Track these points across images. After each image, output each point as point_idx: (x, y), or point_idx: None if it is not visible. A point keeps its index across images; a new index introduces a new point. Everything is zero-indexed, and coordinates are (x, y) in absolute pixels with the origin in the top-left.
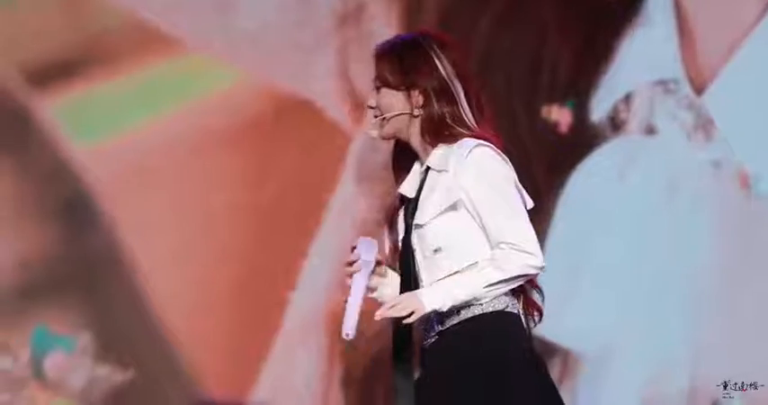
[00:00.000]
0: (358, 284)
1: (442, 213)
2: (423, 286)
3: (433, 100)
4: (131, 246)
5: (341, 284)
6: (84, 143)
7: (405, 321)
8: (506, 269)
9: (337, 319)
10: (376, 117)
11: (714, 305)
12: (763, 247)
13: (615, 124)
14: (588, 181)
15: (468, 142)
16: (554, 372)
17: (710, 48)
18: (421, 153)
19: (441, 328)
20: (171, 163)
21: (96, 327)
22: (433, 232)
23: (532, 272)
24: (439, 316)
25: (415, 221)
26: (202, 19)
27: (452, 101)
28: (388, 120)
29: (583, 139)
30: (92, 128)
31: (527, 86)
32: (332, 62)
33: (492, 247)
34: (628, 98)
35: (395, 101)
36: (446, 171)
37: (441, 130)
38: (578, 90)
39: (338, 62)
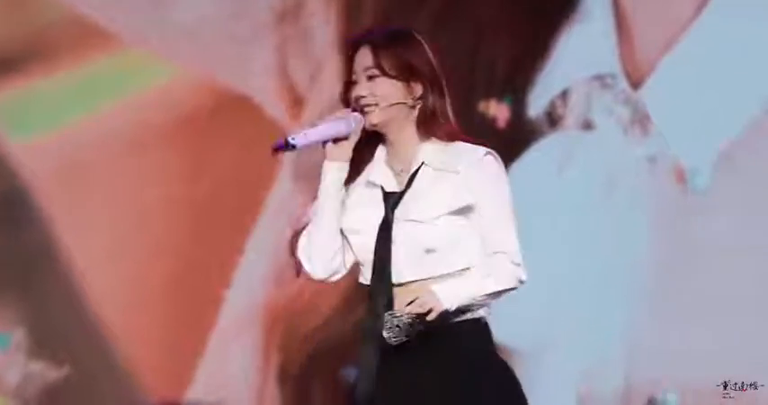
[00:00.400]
0: (334, 124)
1: (446, 214)
2: (397, 282)
3: (429, 92)
4: (67, 242)
5: (276, 281)
6: (21, 139)
7: (427, 318)
8: (503, 281)
9: (273, 314)
10: (367, 105)
11: (651, 301)
12: (699, 241)
13: (552, 120)
14: (526, 176)
15: (478, 148)
16: None
17: (648, 43)
18: (404, 145)
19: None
20: (107, 159)
21: (31, 323)
22: (432, 231)
23: (519, 285)
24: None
25: (412, 217)
26: (139, 13)
27: (443, 95)
28: (385, 108)
29: (520, 135)
30: (29, 124)
31: (465, 83)
32: (270, 58)
33: (486, 255)
34: (565, 94)
35: (394, 90)
36: (455, 172)
37: (435, 124)
38: (516, 86)
39: (276, 58)
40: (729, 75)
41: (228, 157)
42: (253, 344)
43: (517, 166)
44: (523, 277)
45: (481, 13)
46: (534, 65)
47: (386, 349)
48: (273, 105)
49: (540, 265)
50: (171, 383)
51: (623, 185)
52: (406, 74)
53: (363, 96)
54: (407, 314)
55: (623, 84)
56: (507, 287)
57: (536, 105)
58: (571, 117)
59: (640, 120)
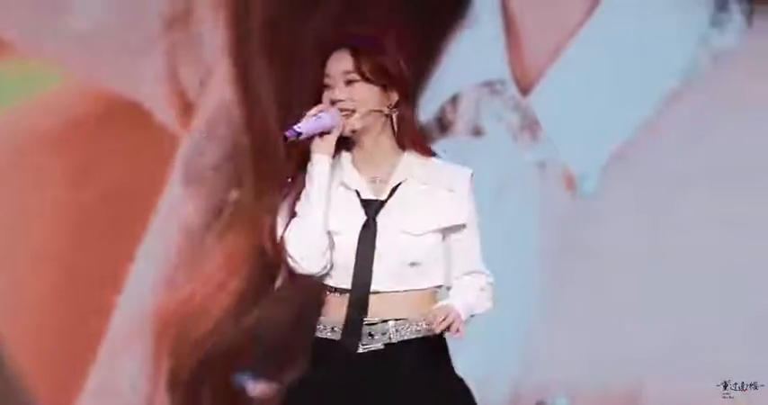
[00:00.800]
0: (322, 118)
1: (434, 231)
2: (374, 290)
3: (403, 101)
4: None
5: (167, 285)
6: None
7: (459, 335)
8: (492, 300)
9: (164, 320)
10: (344, 110)
11: (540, 306)
12: (589, 246)
13: (442, 125)
14: None
15: (465, 169)
16: None
17: (536, 49)
18: (381, 153)
19: (389, 340)
20: None
21: None
22: (419, 245)
23: None
24: (383, 327)
25: (399, 228)
26: (33, 21)
27: (414, 105)
28: (364, 114)
29: None
30: None
31: None
32: (160, 65)
33: (462, 273)
34: (455, 100)
35: (372, 96)
36: (448, 190)
37: (414, 135)
38: None
39: (166, 65)
40: (618, 79)
41: (118, 164)
42: (143, 350)
43: None
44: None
45: (373, 17)
46: (424, 70)
47: (348, 357)
48: (163, 112)
49: None
50: (60, 392)
51: (513, 191)
52: (384, 80)
53: (341, 100)
54: (426, 325)
55: (512, 90)
56: (489, 306)
57: (426, 111)
58: (461, 123)
59: (530, 126)
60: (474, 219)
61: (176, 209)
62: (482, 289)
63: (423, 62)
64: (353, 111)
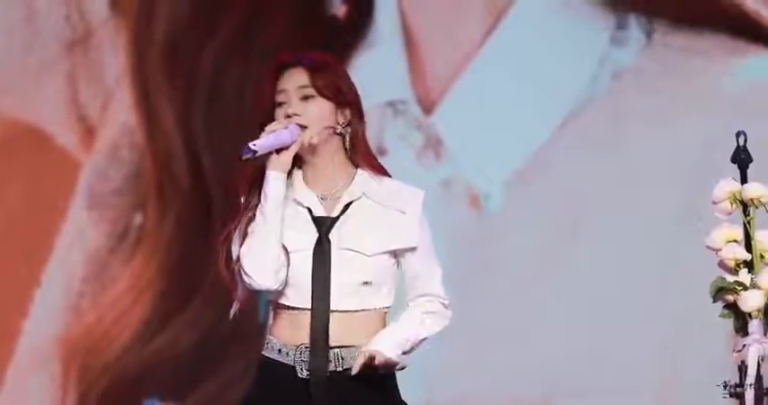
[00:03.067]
0: (280, 134)
1: (386, 251)
2: (334, 309)
3: (356, 120)
4: None
5: (74, 311)
6: None
7: (375, 365)
8: (438, 323)
9: (71, 345)
10: (299, 125)
11: (450, 324)
12: (494, 263)
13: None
14: None
15: (418, 191)
16: None
17: (438, 68)
18: (332, 171)
19: (334, 368)
20: None
21: None
22: (371, 265)
23: (447, 323)
24: (339, 352)
25: (351, 247)
26: None
27: (365, 125)
28: (320, 131)
29: None
30: None
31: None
32: (60, 88)
33: (415, 296)
34: None
35: (327, 113)
36: (400, 212)
37: (367, 153)
38: None
39: (67, 88)
40: (520, 96)
41: (20, 189)
42: (51, 376)
43: None
44: (450, 316)
45: (272, 39)
46: None
47: (295, 381)
48: (65, 136)
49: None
50: None
51: None
52: (338, 98)
53: (297, 115)
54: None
55: (415, 109)
56: (440, 329)
57: None
58: None
59: (433, 145)
60: (427, 241)
61: (80, 233)
62: (433, 312)
63: None
64: (307, 127)
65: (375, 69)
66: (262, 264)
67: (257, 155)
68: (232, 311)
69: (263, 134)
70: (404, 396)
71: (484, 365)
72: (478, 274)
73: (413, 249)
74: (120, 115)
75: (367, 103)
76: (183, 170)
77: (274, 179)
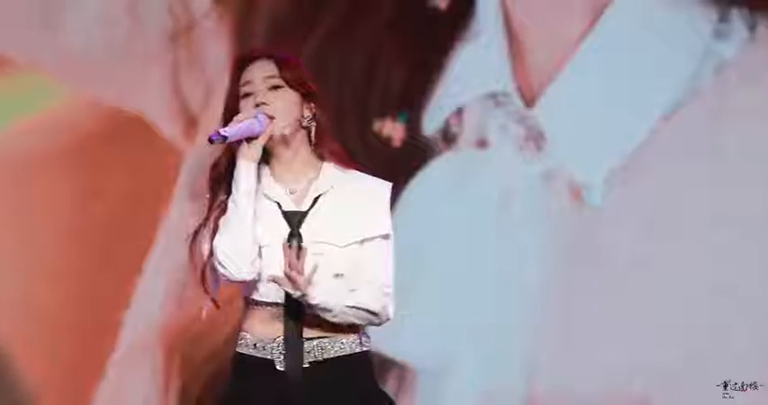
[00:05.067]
0: (249, 123)
1: (356, 242)
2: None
3: (321, 112)
4: None
5: (175, 300)
6: None
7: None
8: (365, 300)
9: (172, 335)
10: (267, 115)
11: (547, 318)
12: (594, 258)
13: (447, 138)
14: (421, 195)
15: (384, 183)
16: (391, 387)
17: (540, 60)
18: (298, 164)
19: (314, 358)
20: None
21: None
22: (342, 257)
23: (383, 313)
24: (309, 345)
25: (321, 239)
26: (30, 37)
27: (330, 118)
28: (289, 122)
29: (415, 154)
30: None
31: (359, 103)
32: (163, 79)
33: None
34: (459, 112)
35: (294, 105)
36: (370, 202)
37: (332, 145)
38: (410, 105)
39: (170, 79)
40: (622, 89)
41: (123, 179)
42: (153, 367)
43: (413, 185)
44: (390, 310)
45: (375, 31)
46: (428, 84)
47: (273, 375)
48: (167, 126)
49: (437, 285)
50: None
51: (518, 203)
52: (304, 90)
53: (266, 104)
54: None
55: (517, 102)
56: (368, 307)
57: (431, 124)
58: (466, 135)
59: (534, 137)
60: (386, 231)
61: (183, 224)
62: (354, 289)
63: (426, 75)
64: (275, 117)
65: (477, 62)
66: (237, 253)
67: (226, 142)
68: (204, 312)
69: (231, 123)
70: (504, 386)
71: (582, 357)
72: (576, 266)
73: (377, 238)
74: (222, 105)
75: (468, 95)
76: None
77: (246, 168)
